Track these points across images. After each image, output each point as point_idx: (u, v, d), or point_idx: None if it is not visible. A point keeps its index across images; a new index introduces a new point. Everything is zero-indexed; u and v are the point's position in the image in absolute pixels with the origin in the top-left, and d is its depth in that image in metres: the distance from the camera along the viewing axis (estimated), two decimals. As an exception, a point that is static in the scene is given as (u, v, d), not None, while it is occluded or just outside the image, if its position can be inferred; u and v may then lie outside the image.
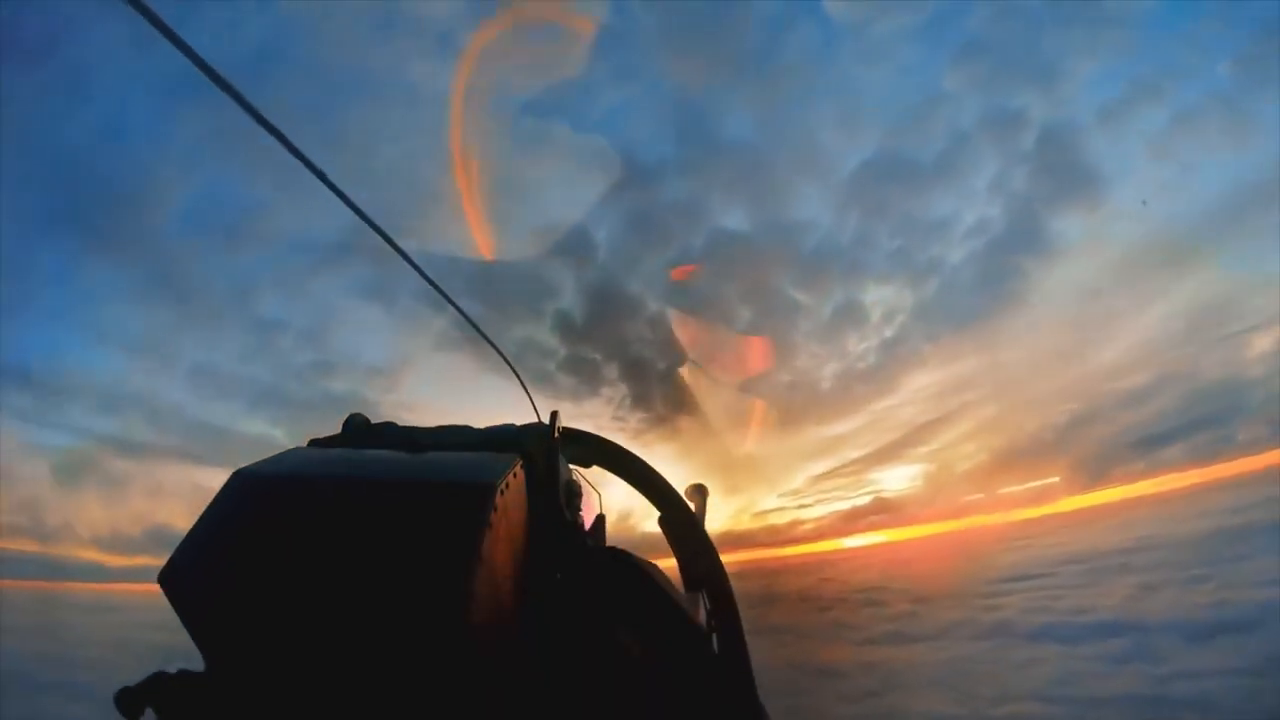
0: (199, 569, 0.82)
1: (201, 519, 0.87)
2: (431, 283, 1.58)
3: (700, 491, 1.95)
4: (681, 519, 1.51)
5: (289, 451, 1.06)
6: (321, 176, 1.18)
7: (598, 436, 1.53)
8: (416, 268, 1.52)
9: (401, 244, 1.41)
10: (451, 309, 1.62)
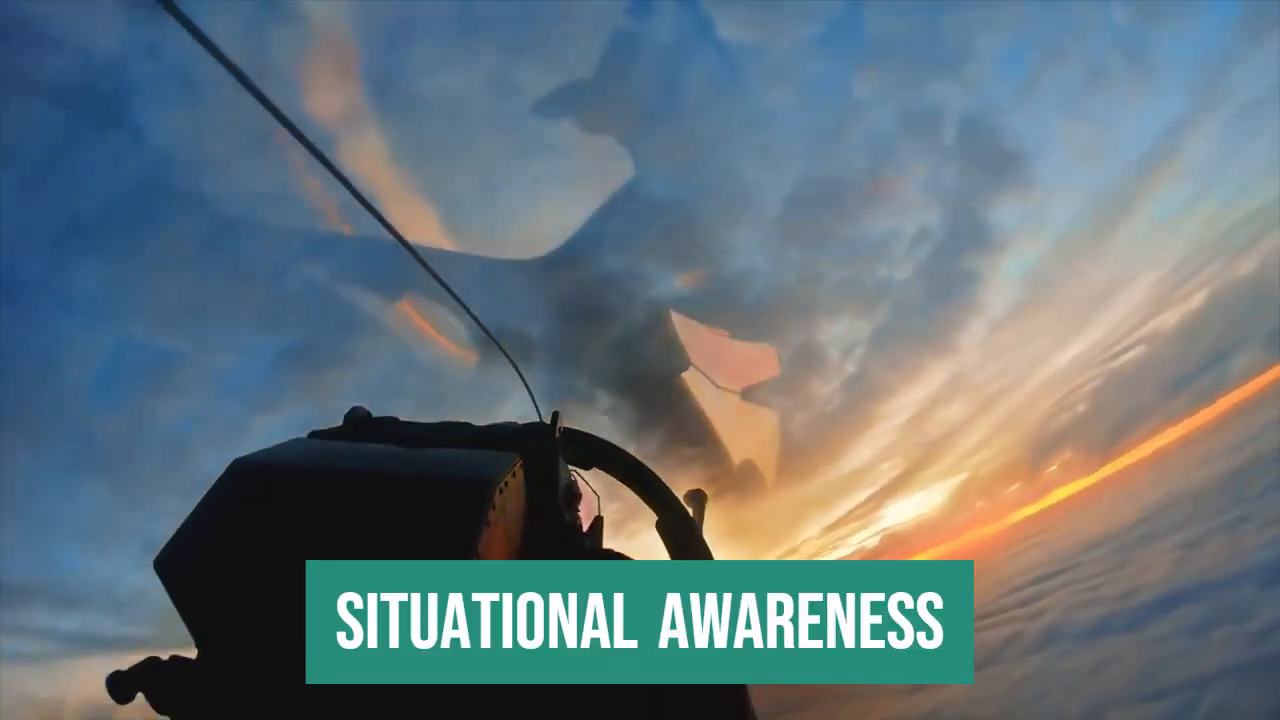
0: (195, 556, 0.83)
1: (199, 506, 0.87)
2: (440, 281, 1.64)
3: (699, 497, 1.86)
4: (680, 524, 1.53)
5: (289, 442, 1.04)
6: (332, 168, 1.36)
7: (599, 438, 1.57)
8: (428, 268, 1.61)
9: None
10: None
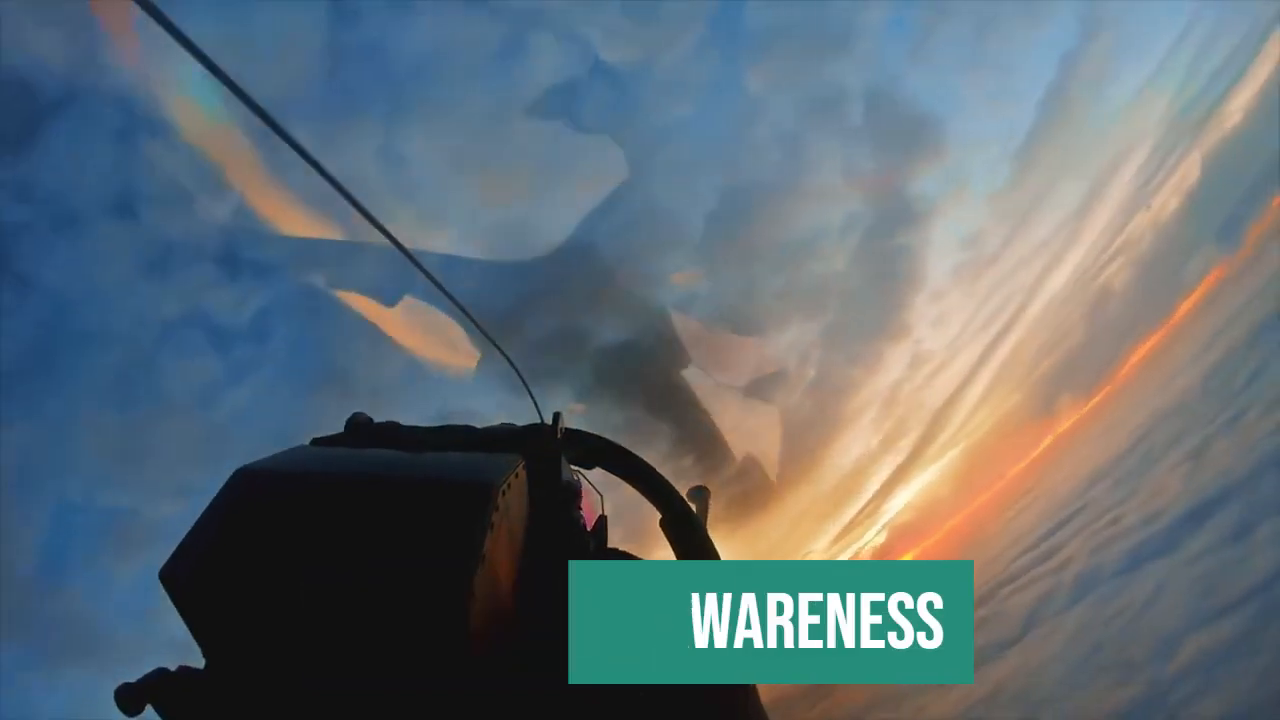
0: (200, 566, 0.83)
1: (203, 516, 0.88)
2: (437, 283, 1.58)
3: (702, 494, 1.89)
4: (684, 522, 1.52)
5: (291, 449, 1.05)
6: (326, 175, 1.28)
7: (601, 437, 1.56)
8: (423, 269, 1.55)
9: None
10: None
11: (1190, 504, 12.22)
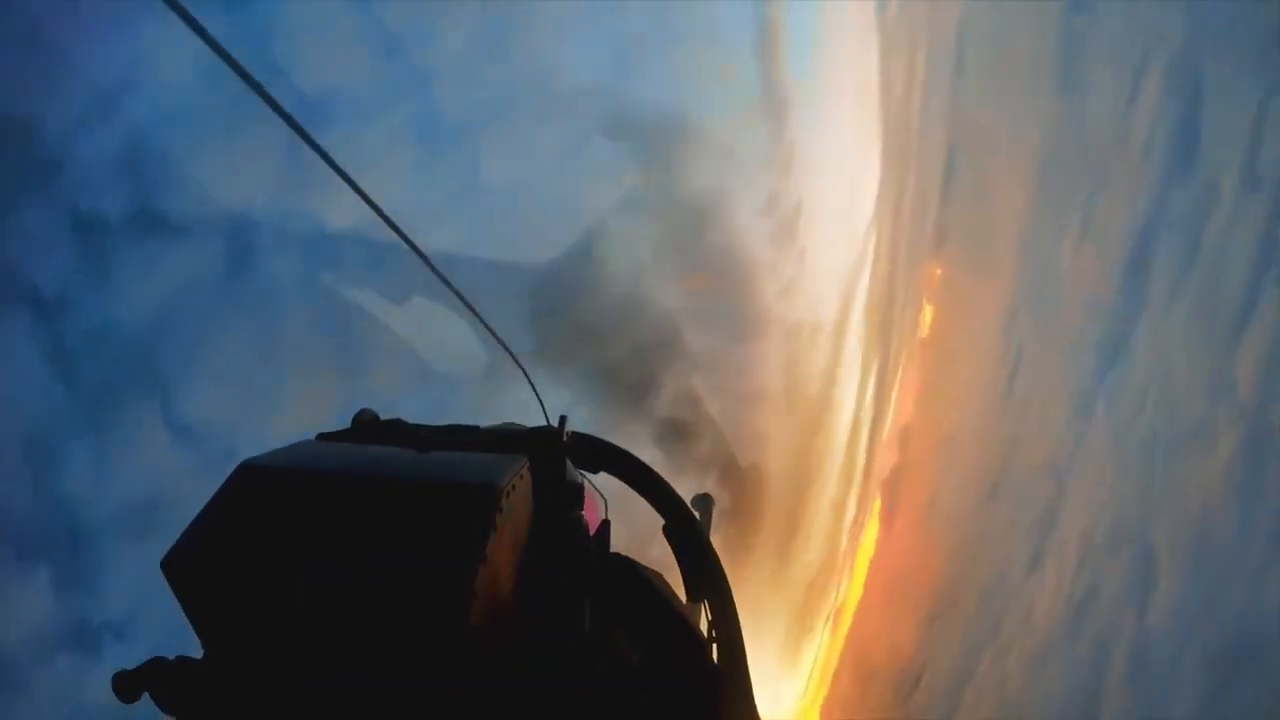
0: (201, 558, 0.83)
1: (206, 508, 0.88)
2: (449, 285, 1.60)
3: (706, 502, 1.76)
4: (686, 528, 1.50)
5: (296, 444, 1.05)
6: (337, 169, 1.31)
7: (606, 442, 1.55)
8: (434, 269, 1.55)
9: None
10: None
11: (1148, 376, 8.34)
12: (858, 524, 13.95)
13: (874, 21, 12.79)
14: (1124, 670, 8.07)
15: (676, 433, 12.05)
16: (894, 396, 13.64)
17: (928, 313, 13.07)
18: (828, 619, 14.42)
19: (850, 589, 14.23)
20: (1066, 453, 9.59)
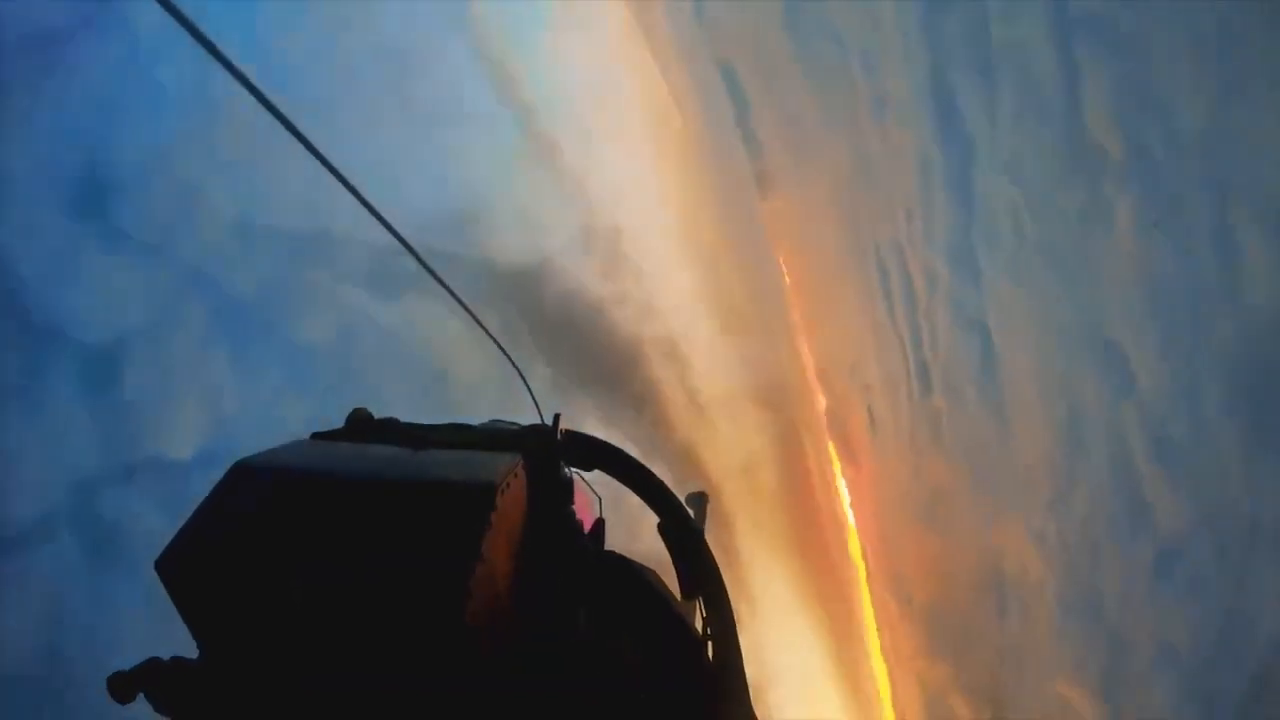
0: (196, 558, 0.82)
1: (201, 508, 0.87)
2: (442, 283, 1.54)
3: (701, 500, 1.94)
4: (681, 527, 1.53)
5: (291, 444, 1.05)
6: (332, 169, 1.17)
7: (600, 440, 1.55)
8: (429, 269, 1.49)
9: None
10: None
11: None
12: (826, 479, 13.75)
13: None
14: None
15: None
16: (802, 348, 13.45)
17: (779, 259, 13.01)
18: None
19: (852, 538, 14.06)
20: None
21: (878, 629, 13.38)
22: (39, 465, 5.84)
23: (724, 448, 11.99)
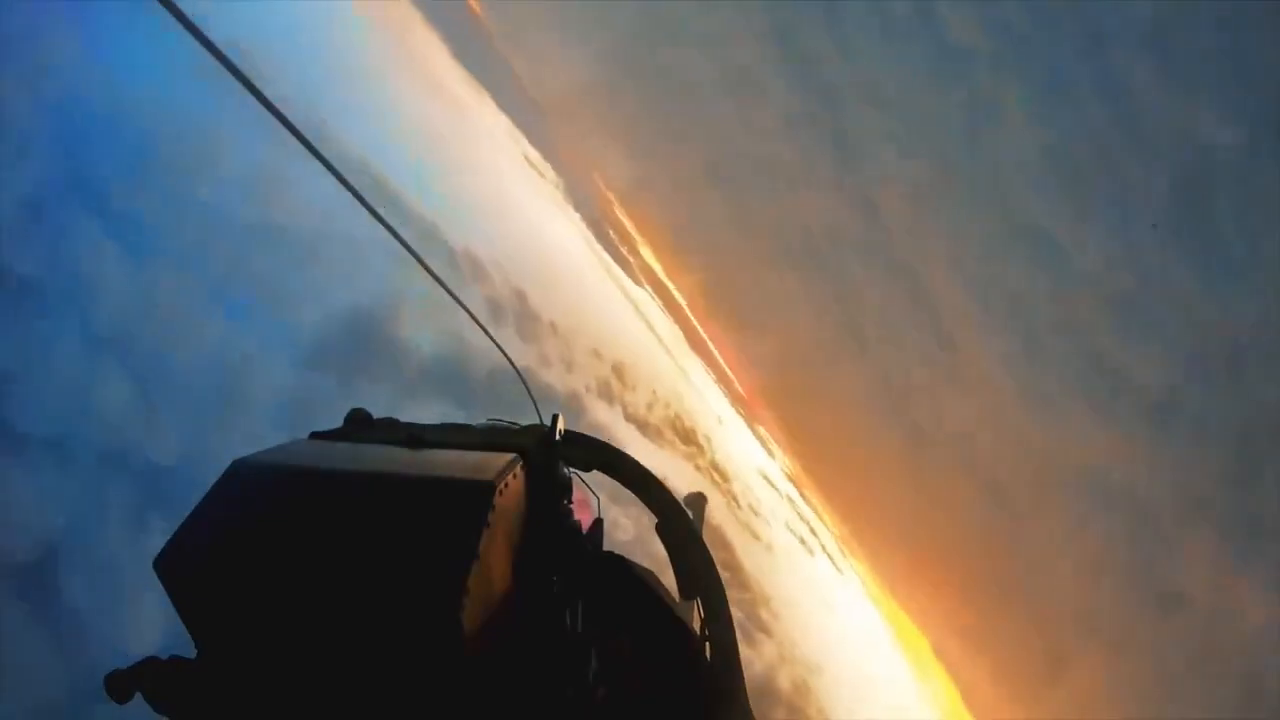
0: (195, 557, 0.82)
1: (199, 507, 0.87)
2: (440, 283, 1.54)
3: (699, 500, 1.98)
4: (679, 527, 1.50)
5: (289, 443, 1.04)
6: (333, 170, 1.20)
7: (599, 440, 1.54)
8: (426, 268, 1.49)
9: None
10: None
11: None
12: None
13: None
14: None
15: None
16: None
17: (647, 252, 13.42)
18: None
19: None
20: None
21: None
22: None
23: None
